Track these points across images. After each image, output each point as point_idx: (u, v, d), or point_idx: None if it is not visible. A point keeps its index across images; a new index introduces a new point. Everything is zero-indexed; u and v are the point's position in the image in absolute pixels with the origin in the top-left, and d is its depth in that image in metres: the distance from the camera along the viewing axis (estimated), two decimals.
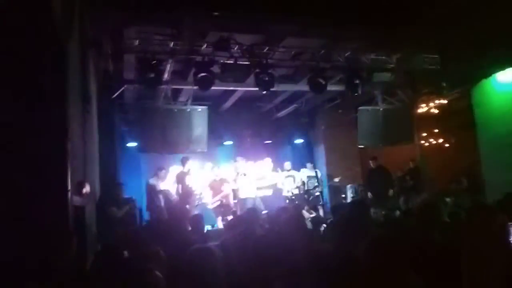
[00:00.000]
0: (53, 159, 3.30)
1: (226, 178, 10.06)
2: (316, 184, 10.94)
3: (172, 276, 2.45)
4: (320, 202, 10.71)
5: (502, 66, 7.81)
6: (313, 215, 9.24)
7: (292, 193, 10.40)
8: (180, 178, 9.14)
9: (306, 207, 9.84)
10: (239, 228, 4.98)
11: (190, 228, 5.12)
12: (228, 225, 6.86)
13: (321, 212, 10.27)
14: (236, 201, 9.96)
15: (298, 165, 11.54)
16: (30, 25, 3.02)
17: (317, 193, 10.78)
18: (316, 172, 11.11)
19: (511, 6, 6.43)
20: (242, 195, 9.80)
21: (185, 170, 9.25)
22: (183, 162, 9.29)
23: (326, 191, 11.68)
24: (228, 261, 2.38)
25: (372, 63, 8.32)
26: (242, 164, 10.42)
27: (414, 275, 1.96)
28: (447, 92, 9.06)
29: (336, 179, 11.50)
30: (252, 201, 9.63)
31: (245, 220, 5.32)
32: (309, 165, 11.34)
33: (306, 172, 11.03)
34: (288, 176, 10.68)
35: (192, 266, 2.27)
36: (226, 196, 9.71)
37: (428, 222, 3.49)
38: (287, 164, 10.93)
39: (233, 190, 10.05)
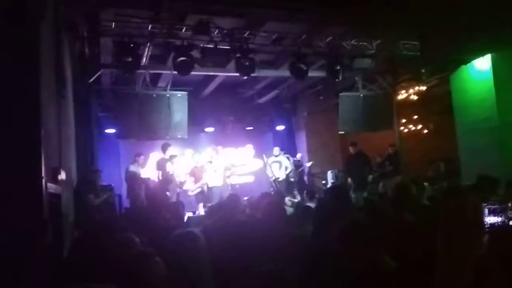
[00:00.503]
0: (25, 145, 3.17)
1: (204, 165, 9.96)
2: (290, 170, 11.01)
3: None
4: (295, 187, 10.77)
5: (480, 53, 7.91)
6: (296, 200, 9.27)
7: (277, 179, 10.36)
8: (161, 165, 9.04)
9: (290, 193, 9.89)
10: (220, 214, 4.96)
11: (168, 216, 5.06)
12: (209, 212, 6.83)
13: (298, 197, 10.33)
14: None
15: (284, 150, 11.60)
16: None
17: (291, 179, 10.86)
18: (288, 158, 11.13)
19: None
20: (209, 183, 9.68)
21: (166, 156, 9.14)
22: (164, 148, 9.18)
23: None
24: (211, 247, 2.34)
25: (353, 49, 8.31)
26: (210, 151, 10.27)
27: (387, 257, 1.95)
28: (426, 79, 9.17)
29: (308, 164, 11.54)
30: (219, 190, 9.51)
31: (226, 206, 5.30)
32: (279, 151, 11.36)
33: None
34: (275, 161, 10.62)
35: (175, 251, 2.22)
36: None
37: (400, 204, 3.55)
38: (276, 150, 10.82)
39: None
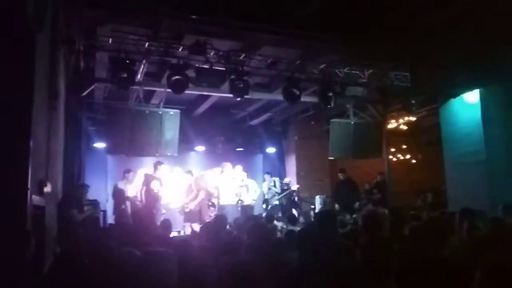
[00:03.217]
0: (13, 155, 3.13)
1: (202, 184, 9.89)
2: (275, 193, 11.02)
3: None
4: (279, 211, 10.73)
5: (469, 88, 8.10)
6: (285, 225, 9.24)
7: (242, 202, 10.19)
8: (146, 180, 8.91)
9: (277, 217, 9.81)
10: (207, 236, 4.92)
11: (160, 232, 5.02)
12: (196, 234, 6.77)
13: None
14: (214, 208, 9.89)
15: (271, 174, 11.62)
16: None
17: (275, 202, 10.84)
18: (274, 181, 11.15)
19: (480, 30, 6.70)
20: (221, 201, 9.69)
21: (156, 174, 9.00)
22: (156, 166, 9.04)
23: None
24: (181, 269, 2.31)
25: (345, 77, 8.47)
26: (229, 167, 10.24)
27: None
28: (416, 110, 9.31)
29: (294, 187, 11.53)
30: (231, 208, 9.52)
31: (212, 227, 5.27)
32: (266, 176, 11.42)
33: (266, 184, 11.11)
34: (242, 186, 10.42)
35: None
36: (201, 202, 9.56)
37: (372, 232, 3.56)
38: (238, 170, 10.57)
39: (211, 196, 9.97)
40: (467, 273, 1.68)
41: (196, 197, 9.44)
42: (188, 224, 9.17)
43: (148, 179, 8.87)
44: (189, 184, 9.69)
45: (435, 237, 3.07)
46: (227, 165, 10.19)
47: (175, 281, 2.19)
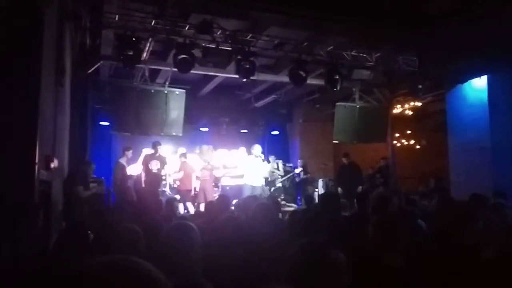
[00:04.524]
0: (21, 130, 3.16)
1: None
2: (279, 176, 11.07)
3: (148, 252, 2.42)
4: (282, 193, 10.79)
5: (477, 73, 8.02)
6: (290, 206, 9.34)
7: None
8: (145, 161, 8.96)
9: (282, 198, 9.90)
10: (210, 215, 4.97)
11: (164, 211, 5.08)
12: (199, 212, 6.83)
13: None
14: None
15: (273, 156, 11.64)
16: None
17: (279, 184, 10.89)
18: (277, 163, 11.17)
19: (488, 15, 6.59)
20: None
21: (156, 154, 9.05)
22: (154, 146, 9.10)
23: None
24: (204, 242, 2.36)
25: (352, 60, 8.38)
26: (207, 150, 10.25)
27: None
28: (422, 95, 9.24)
29: (297, 170, 11.55)
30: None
31: (216, 207, 5.32)
32: (272, 157, 11.39)
33: (269, 165, 11.10)
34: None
35: (171, 240, 2.23)
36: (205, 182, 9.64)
37: (380, 214, 3.62)
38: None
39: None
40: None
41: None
42: (181, 204, 9.16)
43: (146, 159, 8.91)
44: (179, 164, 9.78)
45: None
46: (256, 147, 10.02)
47: (200, 252, 2.23)
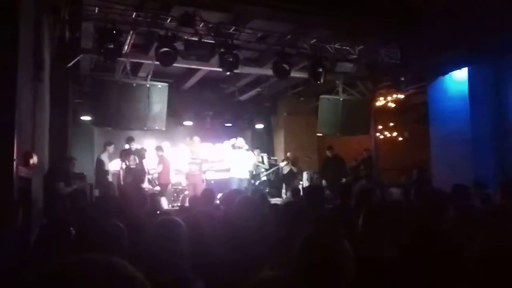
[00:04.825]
0: None
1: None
2: (263, 169, 11.11)
3: (134, 248, 2.38)
4: (267, 187, 10.83)
5: (458, 65, 8.13)
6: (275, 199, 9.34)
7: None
8: (122, 157, 8.87)
9: (267, 192, 9.92)
10: (195, 209, 4.93)
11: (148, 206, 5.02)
12: (184, 207, 6.79)
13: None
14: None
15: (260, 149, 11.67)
16: None
17: (263, 178, 10.93)
18: (262, 157, 11.20)
19: (470, 7, 6.68)
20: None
21: (131, 148, 9.04)
22: (128, 141, 9.14)
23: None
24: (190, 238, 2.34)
25: (336, 53, 8.41)
26: (188, 142, 10.28)
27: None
28: (405, 87, 9.33)
29: (282, 164, 11.58)
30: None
31: (200, 201, 5.28)
32: (256, 151, 11.41)
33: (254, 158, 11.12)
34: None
35: (158, 237, 2.20)
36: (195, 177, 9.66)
37: (362, 206, 3.66)
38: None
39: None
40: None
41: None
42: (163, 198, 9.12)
43: (122, 156, 8.80)
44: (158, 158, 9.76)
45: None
46: (240, 139, 10.07)
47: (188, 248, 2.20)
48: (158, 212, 5.24)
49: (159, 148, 9.79)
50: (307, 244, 1.68)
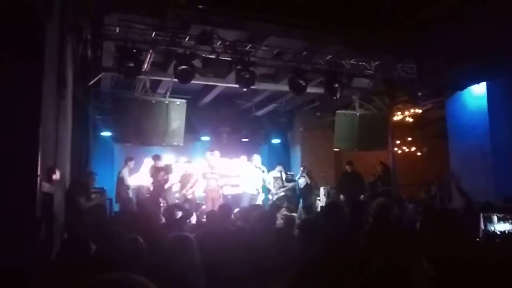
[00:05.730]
0: (24, 143, 3.19)
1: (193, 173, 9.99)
2: (282, 185, 11.05)
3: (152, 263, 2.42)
4: (285, 202, 10.77)
5: (476, 80, 8.06)
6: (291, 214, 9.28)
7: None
8: (152, 173, 9.02)
9: (284, 207, 9.87)
10: (211, 224, 4.97)
11: (163, 221, 5.08)
12: (201, 222, 6.83)
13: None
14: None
15: (273, 165, 11.60)
16: (8, 1, 2.92)
17: (282, 193, 10.89)
18: (281, 173, 11.16)
19: (486, 21, 6.64)
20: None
21: (161, 164, 9.14)
22: (155, 159, 9.25)
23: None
24: (203, 253, 2.37)
25: (352, 68, 8.43)
26: (209, 157, 10.31)
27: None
28: (422, 102, 9.27)
29: (300, 181, 11.50)
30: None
31: (218, 216, 5.32)
32: (278, 167, 11.39)
33: (272, 174, 11.09)
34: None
35: (170, 252, 2.25)
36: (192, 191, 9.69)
37: (382, 222, 3.61)
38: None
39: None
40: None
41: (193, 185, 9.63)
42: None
43: (152, 172, 8.96)
44: (188, 172, 9.82)
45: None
46: (256, 157, 10.22)
47: (200, 263, 2.24)
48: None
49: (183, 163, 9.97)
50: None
